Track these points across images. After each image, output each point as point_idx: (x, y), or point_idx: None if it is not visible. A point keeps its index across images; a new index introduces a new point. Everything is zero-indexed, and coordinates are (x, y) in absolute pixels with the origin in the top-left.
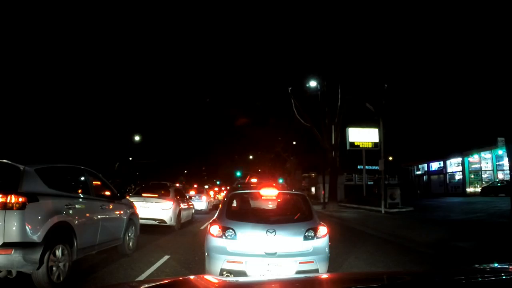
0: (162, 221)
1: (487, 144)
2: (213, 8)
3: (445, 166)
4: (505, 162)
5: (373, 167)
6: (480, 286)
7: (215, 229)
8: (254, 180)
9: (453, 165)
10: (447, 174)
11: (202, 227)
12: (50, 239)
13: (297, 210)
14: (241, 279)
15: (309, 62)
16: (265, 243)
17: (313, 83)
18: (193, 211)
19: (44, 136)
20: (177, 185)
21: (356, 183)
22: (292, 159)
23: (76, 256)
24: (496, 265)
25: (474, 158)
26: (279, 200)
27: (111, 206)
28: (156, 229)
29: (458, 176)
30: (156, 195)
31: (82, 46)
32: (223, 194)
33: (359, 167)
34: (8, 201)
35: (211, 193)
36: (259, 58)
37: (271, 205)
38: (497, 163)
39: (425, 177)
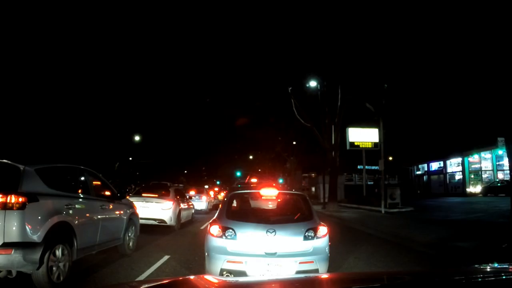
0: (162, 221)
1: (487, 144)
2: (213, 8)
3: (445, 166)
4: (505, 162)
5: (373, 167)
6: (480, 286)
7: (215, 229)
8: (254, 180)
9: (453, 165)
10: (447, 174)
11: (202, 227)
12: (50, 239)
13: (297, 210)
14: (241, 279)
15: (309, 62)
16: (265, 243)
17: (313, 83)
18: (193, 211)
19: (44, 136)
20: (179, 185)
21: (356, 183)
22: (292, 159)
23: (76, 256)
24: (496, 265)
25: (474, 158)
26: (279, 200)
27: (111, 206)
28: (156, 229)
29: (458, 176)
30: (156, 195)
31: (82, 46)
32: (223, 194)
33: (359, 167)
34: (8, 201)
35: (211, 193)
36: (259, 58)
37: (271, 205)
38: (497, 163)
39: (425, 177)
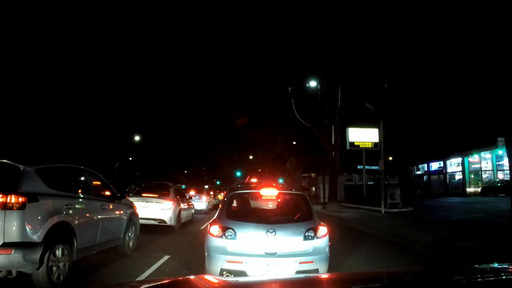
0: (162, 221)
1: (487, 144)
2: (212, 8)
3: (445, 166)
4: (505, 162)
5: (373, 167)
6: (480, 286)
7: (215, 229)
8: (254, 180)
9: (453, 165)
10: (447, 174)
11: (202, 227)
12: (50, 239)
13: (297, 210)
14: (241, 279)
15: (309, 62)
16: (265, 243)
17: (313, 83)
18: (193, 211)
19: (44, 136)
20: (181, 185)
21: (356, 183)
22: (292, 159)
23: (76, 256)
24: (496, 265)
25: (474, 158)
26: (279, 200)
27: (111, 206)
28: (156, 229)
29: (458, 176)
30: (156, 195)
31: (82, 47)
32: (222, 194)
33: (359, 167)
34: (8, 201)
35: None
36: (259, 58)
37: (271, 205)
38: (497, 163)
39: (425, 177)
